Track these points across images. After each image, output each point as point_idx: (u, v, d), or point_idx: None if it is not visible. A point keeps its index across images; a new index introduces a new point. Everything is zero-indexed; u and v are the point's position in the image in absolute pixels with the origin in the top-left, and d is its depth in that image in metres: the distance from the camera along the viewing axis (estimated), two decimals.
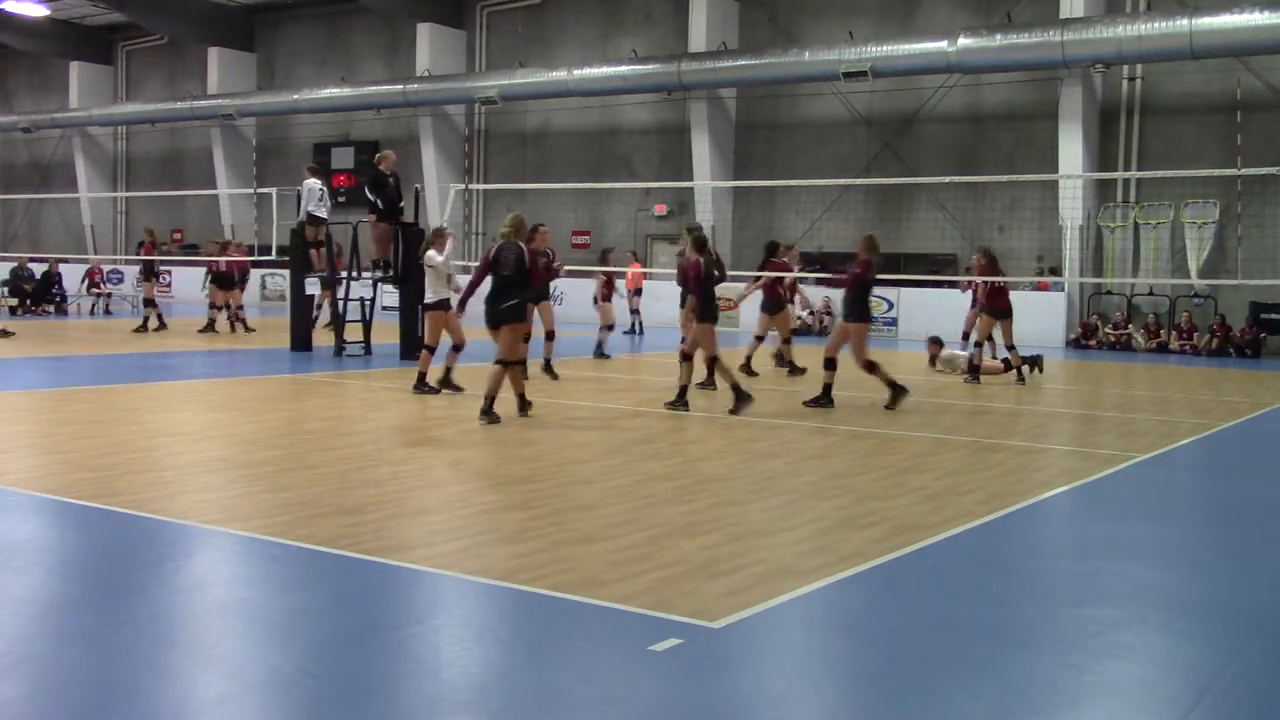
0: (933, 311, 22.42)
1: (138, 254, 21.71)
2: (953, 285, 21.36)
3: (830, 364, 12.09)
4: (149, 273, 21.93)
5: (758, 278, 16.34)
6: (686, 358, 12.09)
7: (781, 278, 15.83)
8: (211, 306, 21.75)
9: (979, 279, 15.73)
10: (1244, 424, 11.87)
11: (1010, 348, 15.44)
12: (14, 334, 19.10)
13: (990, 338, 15.79)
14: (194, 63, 36.89)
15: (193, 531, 6.14)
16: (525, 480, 7.71)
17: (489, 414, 10.22)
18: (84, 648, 4.33)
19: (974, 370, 15.28)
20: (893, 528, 6.52)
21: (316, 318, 18.81)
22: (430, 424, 10.67)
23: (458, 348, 12.71)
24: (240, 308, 22.31)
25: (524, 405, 10.69)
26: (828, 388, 11.99)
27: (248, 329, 21.70)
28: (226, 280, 22.22)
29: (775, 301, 15.58)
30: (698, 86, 26.97)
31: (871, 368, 11.87)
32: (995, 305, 15.25)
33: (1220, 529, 7.22)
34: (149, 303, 21.09)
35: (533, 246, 12.31)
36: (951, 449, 9.53)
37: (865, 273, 12.15)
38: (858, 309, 12.08)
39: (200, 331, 20.91)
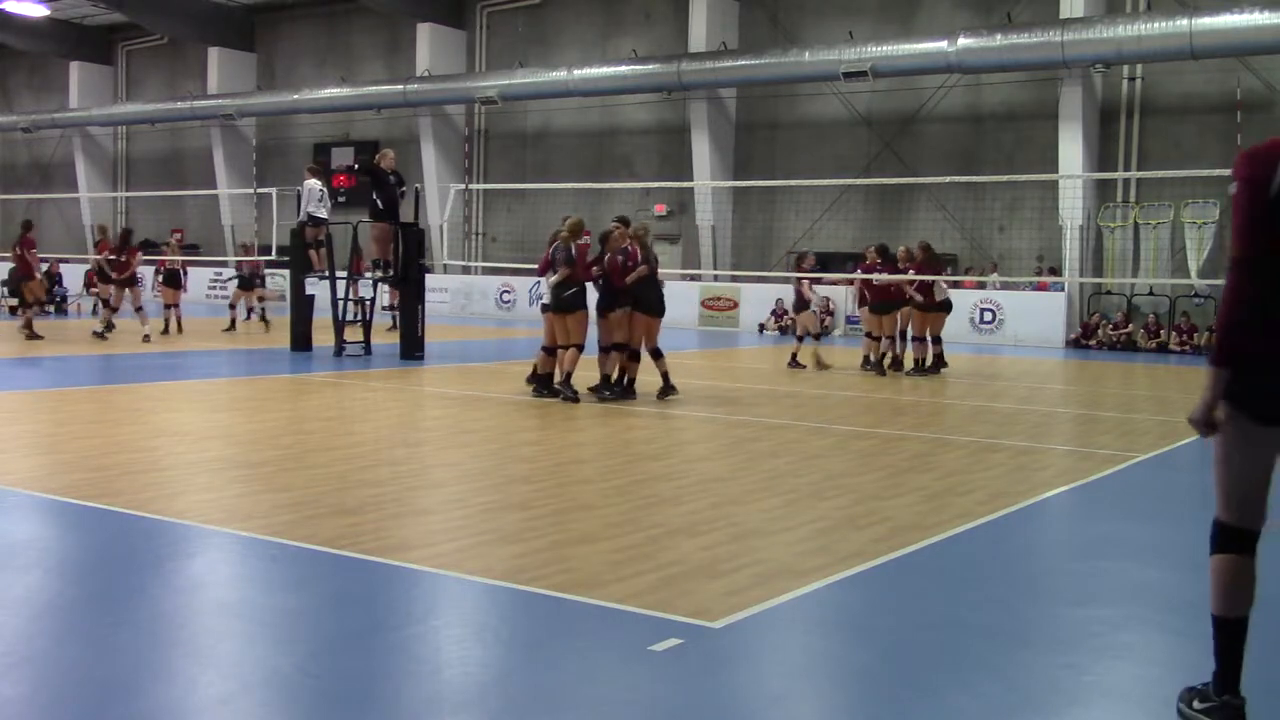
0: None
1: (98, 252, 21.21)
2: (955, 285, 21.43)
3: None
4: (104, 275, 21.62)
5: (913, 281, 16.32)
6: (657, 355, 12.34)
7: (812, 279, 16.50)
8: (231, 306, 22.11)
9: (916, 278, 16.03)
10: None
11: (936, 339, 16.01)
12: (43, 337, 18.70)
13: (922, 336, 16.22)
14: (194, 63, 36.91)
15: (193, 531, 6.13)
16: (525, 480, 7.71)
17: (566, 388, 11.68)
18: (84, 648, 4.33)
19: (877, 364, 15.92)
20: (893, 528, 6.52)
21: (370, 319, 19.44)
22: (430, 424, 10.67)
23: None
24: (263, 305, 23.70)
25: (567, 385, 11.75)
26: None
27: (267, 327, 22.68)
28: (248, 281, 23.68)
29: (805, 302, 16.77)
30: (698, 86, 26.98)
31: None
32: (927, 300, 15.87)
33: None
34: (106, 303, 19.98)
35: (609, 246, 12.17)
36: (951, 449, 9.53)
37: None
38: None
39: (225, 330, 21.37)
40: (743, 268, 27.33)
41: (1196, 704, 3.84)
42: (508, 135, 31.80)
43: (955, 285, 21.11)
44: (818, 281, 18.90)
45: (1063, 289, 23.30)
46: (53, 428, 9.80)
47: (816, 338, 16.89)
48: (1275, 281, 3.57)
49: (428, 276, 24.87)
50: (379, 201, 16.42)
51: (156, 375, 14.27)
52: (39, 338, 18.75)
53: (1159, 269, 23.05)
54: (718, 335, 24.75)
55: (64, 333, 20.73)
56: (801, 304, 16.89)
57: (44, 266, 27.56)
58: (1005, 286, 23.89)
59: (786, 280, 19.05)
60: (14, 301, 25.83)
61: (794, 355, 16.80)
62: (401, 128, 32.58)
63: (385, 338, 18.69)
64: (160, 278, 20.81)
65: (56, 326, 22.22)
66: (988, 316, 23.70)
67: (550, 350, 12.14)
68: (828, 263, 25.40)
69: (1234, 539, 3.72)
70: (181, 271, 22.00)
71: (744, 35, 27.80)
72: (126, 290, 19.80)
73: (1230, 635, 3.73)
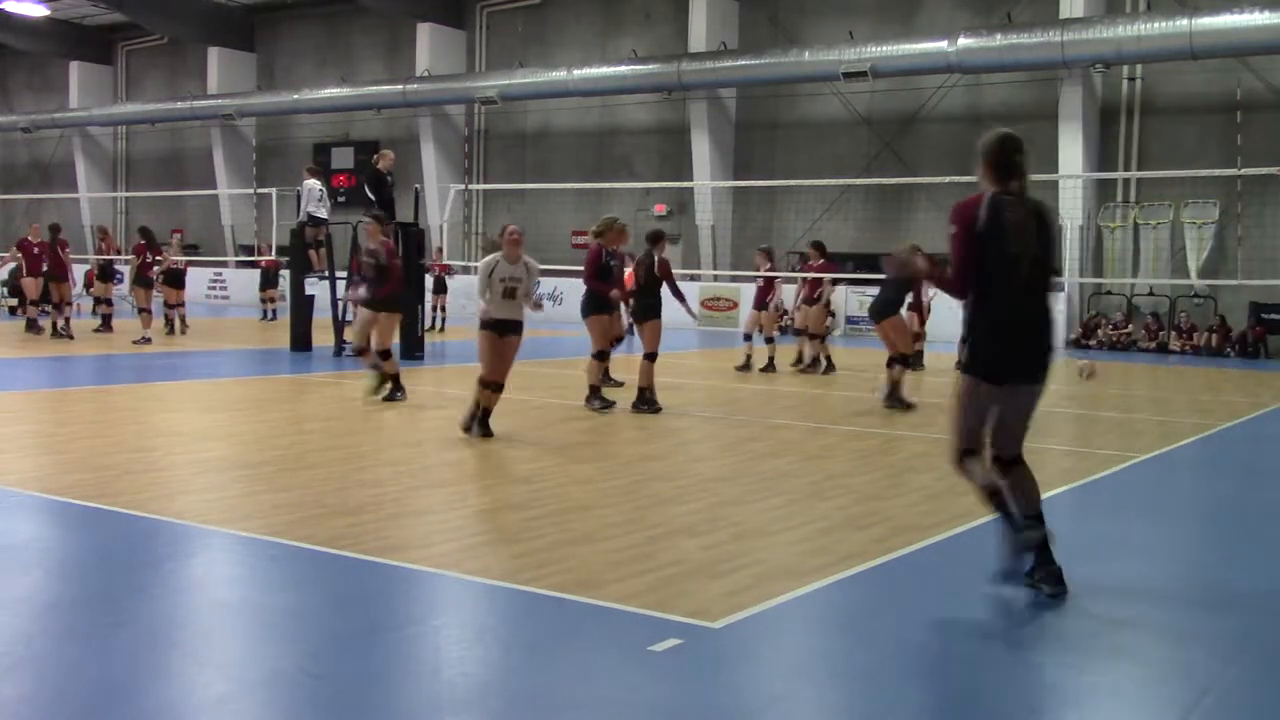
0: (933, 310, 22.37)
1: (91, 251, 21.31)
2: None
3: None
4: (107, 274, 21.77)
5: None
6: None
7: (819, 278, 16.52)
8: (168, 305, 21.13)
9: (815, 274, 16.30)
10: (1244, 424, 11.87)
11: (814, 336, 16.30)
12: (151, 340, 18.38)
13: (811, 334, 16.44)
14: (194, 63, 36.90)
15: (193, 531, 6.13)
16: (525, 480, 7.70)
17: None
18: (84, 648, 4.33)
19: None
20: (893, 528, 6.51)
21: (433, 323, 20.20)
22: (430, 424, 10.67)
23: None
24: (274, 302, 25.37)
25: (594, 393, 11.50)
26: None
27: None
28: (271, 279, 25.79)
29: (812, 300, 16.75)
30: (698, 86, 26.97)
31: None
32: (812, 295, 16.25)
33: (1220, 529, 7.22)
34: (143, 310, 20.13)
35: (597, 244, 11.47)
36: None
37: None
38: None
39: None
40: (743, 268, 27.29)
41: (1045, 587, 5.21)
42: (508, 135, 31.80)
43: None
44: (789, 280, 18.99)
45: (1063, 289, 23.28)
46: (53, 428, 9.80)
47: (816, 337, 16.79)
48: (998, 295, 5.13)
49: (448, 279, 25.08)
50: (377, 201, 16.41)
51: (156, 375, 14.27)
52: (71, 337, 18.85)
53: (1159, 269, 23.05)
54: (718, 335, 24.74)
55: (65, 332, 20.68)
56: (761, 303, 16.78)
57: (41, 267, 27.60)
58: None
59: (789, 280, 19.03)
60: (14, 301, 25.85)
61: (799, 354, 16.77)
62: (401, 128, 32.57)
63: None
64: (161, 278, 20.76)
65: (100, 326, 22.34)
66: None
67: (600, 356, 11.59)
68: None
69: (970, 454, 5.32)
70: (183, 271, 21.99)
71: (744, 35, 27.79)
72: (143, 291, 19.79)
73: (997, 498, 5.29)
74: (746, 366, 16.05)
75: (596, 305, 11.39)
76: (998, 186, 5.15)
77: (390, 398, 11.47)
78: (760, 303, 16.73)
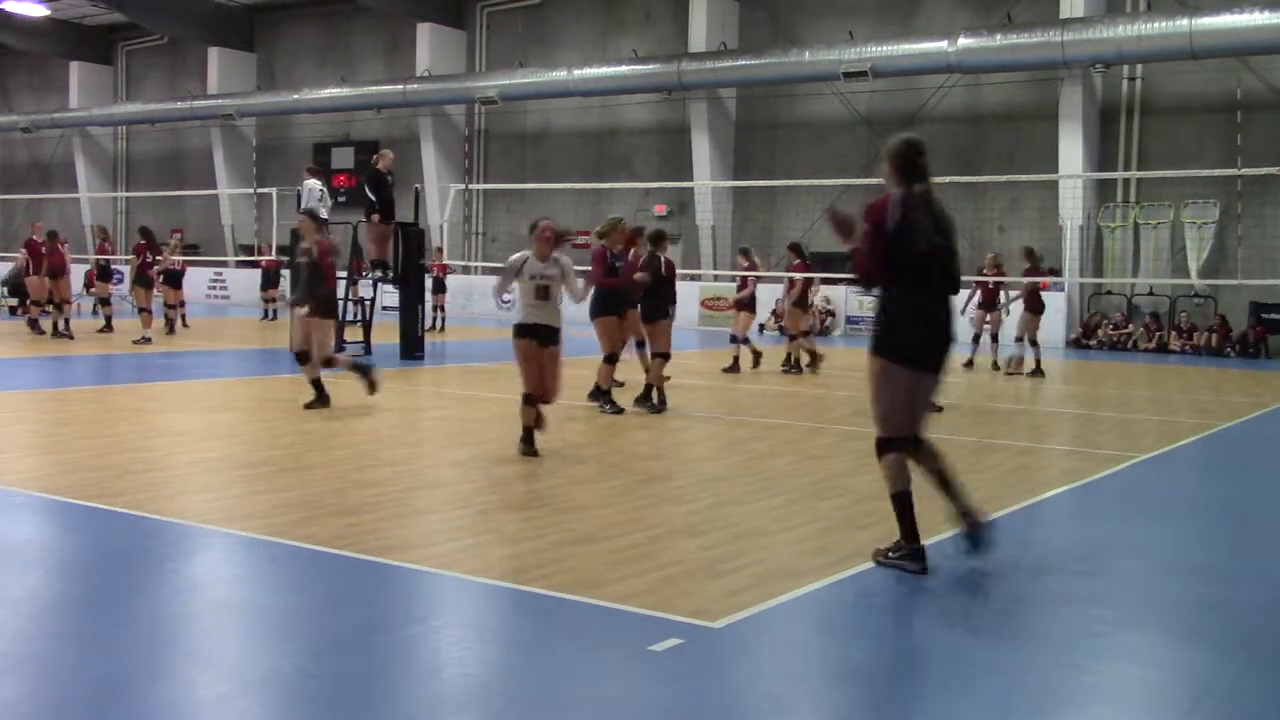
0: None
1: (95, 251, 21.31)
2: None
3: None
4: (106, 274, 21.83)
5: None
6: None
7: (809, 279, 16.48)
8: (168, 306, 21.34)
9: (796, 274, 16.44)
10: (1245, 424, 11.87)
11: (793, 336, 16.40)
12: (151, 339, 18.37)
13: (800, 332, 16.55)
14: (194, 63, 36.90)
15: (193, 531, 6.13)
16: (525, 480, 7.70)
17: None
18: (84, 648, 4.33)
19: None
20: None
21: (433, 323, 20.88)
22: (430, 424, 10.68)
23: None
24: (274, 302, 25.67)
25: (600, 394, 11.31)
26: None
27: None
28: (272, 279, 25.99)
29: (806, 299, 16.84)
30: (698, 86, 26.97)
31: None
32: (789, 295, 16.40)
33: (1220, 529, 7.22)
34: (144, 310, 19.66)
35: (601, 245, 11.35)
36: (952, 449, 9.46)
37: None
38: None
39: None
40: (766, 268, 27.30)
41: (892, 554, 5.62)
42: (508, 135, 31.80)
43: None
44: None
45: (1063, 289, 23.29)
46: (53, 428, 9.80)
47: (794, 336, 16.62)
48: (907, 289, 5.46)
49: (449, 278, 25.13)
50: (378, 202, 16.42)
51: (156, 375, 14.27)
52: (71, 336, 18.90)
53: (1159, 269, 23.06)
54: (719, 335, 24.73)
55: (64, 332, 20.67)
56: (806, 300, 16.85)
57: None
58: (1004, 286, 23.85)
59: (774, 280, 19.12)
60: (14, 301, 25.86)
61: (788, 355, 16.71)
62: (401, 128, 32.57)
63: (386, 338, 18.67)
64: (161, 278, 20.79)
65: (100, 327, 22.34)
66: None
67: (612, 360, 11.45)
68: (828, 262, 25.39)
69: (894, 445, 5.57)
70: (181, 271, 21.99)
71: (744, 35, 27.79)
72: (143, 291, 19.75)
73: (905, 503, 5.56)
74: (735, 368, 16.00)
75: (604, 307, 11.36)
76: (904, 188, 5.50)
77: (314, 404, 10.82)
78: (742, 303, 16.80)
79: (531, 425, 8.58)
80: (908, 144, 5.61)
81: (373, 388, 11.16)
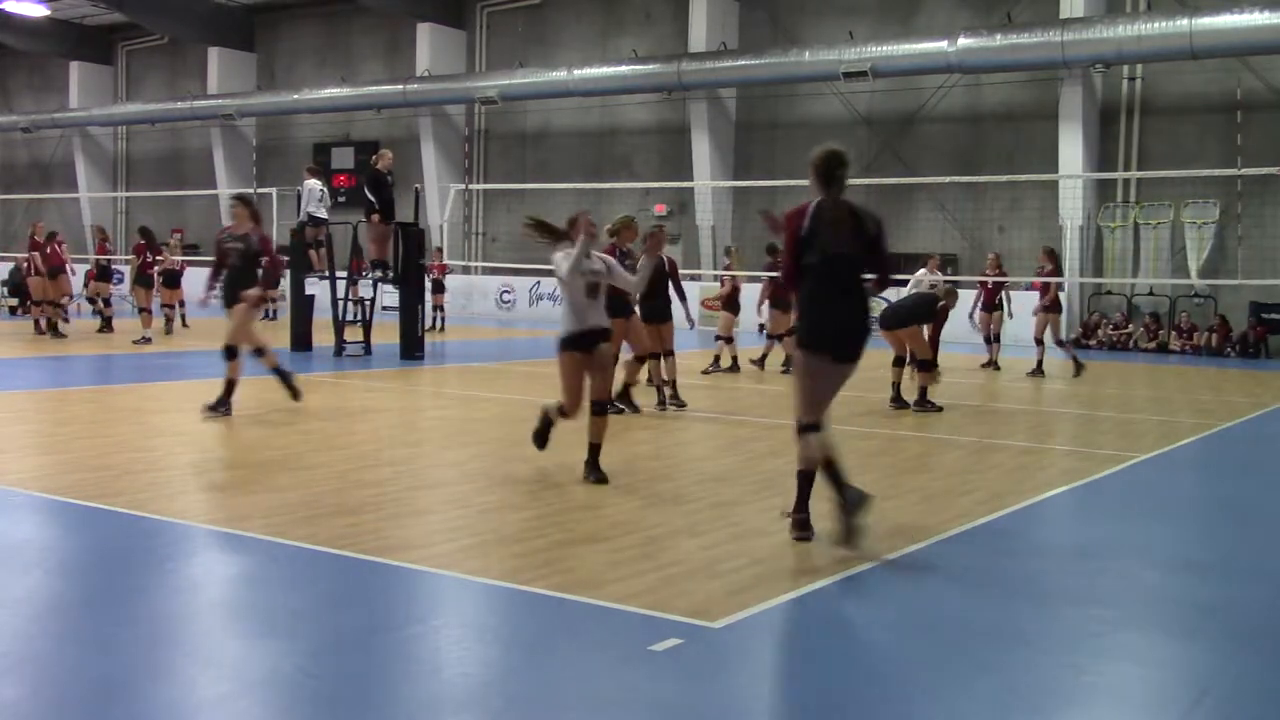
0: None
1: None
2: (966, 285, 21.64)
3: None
4: (106, 274, 21.86)
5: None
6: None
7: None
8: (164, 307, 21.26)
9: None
10: (1245, 424, 11.87)
11: (772, 336, 16.49)
12: (151, 339, 18.38)
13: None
14: (194, 63, 36.88)
15: (193, 531, 6.13)
16: (525, 480, 7.70)
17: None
18: (84, 648, 4.33)
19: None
20: (893, 528, 6.51)
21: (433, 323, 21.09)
22: (430, 424, 10.67)
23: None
24: (274, 302, 24.67)
25: (618, 398, 10.85)
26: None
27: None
28: (272, 279, 25.10)
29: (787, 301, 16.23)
30: (698, 86, 26.96)
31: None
32: (781, 296, 15.97)
33: (1220, 529, 7.22)
34: (144, 310, 19.53)
35: (611, 244, 10.91)
36: (951, 449, 9.52)
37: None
38: None
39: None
40: (743, 268, 27.28)
41: (789, 516, 6.20)
42: (508, 135, 31.79)
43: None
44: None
45: (1063, 289, 23.25)
46: (53, 428, 9.80)
47: (773, 337, 16.60)
48: (822, 288, 6.01)
49: (449, 278, 25.14)
50: (377, 202, 16.42)
51: (156, 375, 14.27)
52: (64, 335, 18.92)
53: (1159, 269, 23.05)
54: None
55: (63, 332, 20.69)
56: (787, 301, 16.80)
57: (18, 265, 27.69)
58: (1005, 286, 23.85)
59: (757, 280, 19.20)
60: (14, 301, 25.90)
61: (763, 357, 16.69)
62: (401, 128, 32.56)
63: (386, 338, 18.68)
64: (161, 278, 20.81)
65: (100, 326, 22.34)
66: None
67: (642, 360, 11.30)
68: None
69: (812, 428, 6.04)
70: (180, 271, 22.00)
71: (744, 35, 27.79)
72: (143, 291, 19.75)
73: (808, 480, 6.11)
74: (716, 366, 16.01)
75: (616, 308, 11.30)
76: (822, 195, 5.98)
77: (216, 407, 10.04)
78: (725, 303, 16.89)
79: (596, 442, 7.69)
80: (828, 155, 6.00)
81: (295, 394, 10.55)
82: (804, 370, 6.14)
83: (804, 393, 6.12)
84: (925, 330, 12.55)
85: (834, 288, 6.00)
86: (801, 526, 6.10)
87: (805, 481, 6.12)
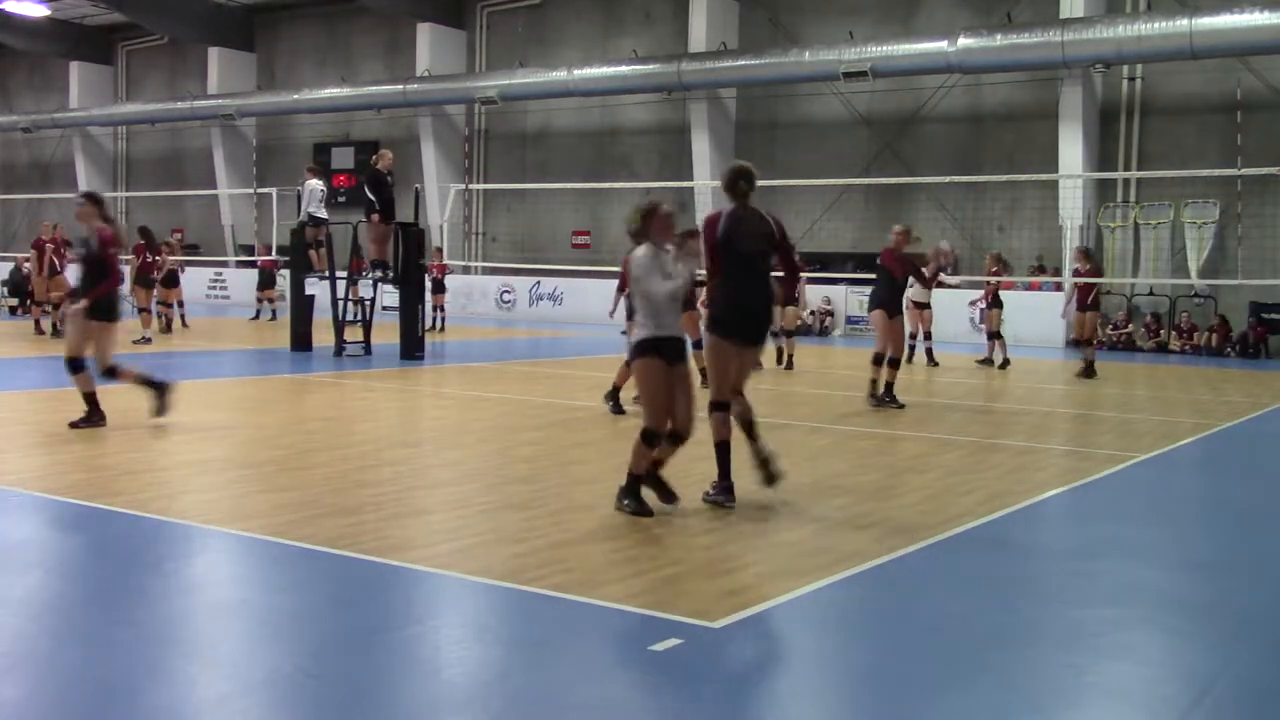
0: (936, 310, 22.40)
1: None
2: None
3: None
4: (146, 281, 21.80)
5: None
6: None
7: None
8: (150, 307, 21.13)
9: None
10: (1245, 424, 11.87)
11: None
12: (151, 339, 18.30)
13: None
14: (194, 63, 36.89)
15: (193, 531, 6.14)
16: (525, 480, 7.70)
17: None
18: (84, 648, 4.33)
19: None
20: (893, 528, 6.51)
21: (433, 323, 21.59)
22: (430, 424, 10.67)
23: None
24: (273, 302, 25.64)
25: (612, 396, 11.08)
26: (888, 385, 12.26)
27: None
28: (268, 279, 25.88)
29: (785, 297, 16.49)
30: (698, 86, 26.96)
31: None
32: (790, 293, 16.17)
33: (1220, 529, 7.22)
34: (144, 310, 19.40)
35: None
36: (951, 449, 9.52)
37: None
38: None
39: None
40: None
41: (711, 492, 6.97)
42: (508, 135, 31.79)
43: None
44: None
45: (1063, 289, 23.27)
46: (53, 428, 9.80)
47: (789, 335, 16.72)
48: (733, 282, 7.00)
49: (449, 278, 25.13)
50: (378, 202, 16.42)
51: (156, 375, 14.24)
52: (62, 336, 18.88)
53: (1159, 269, 23.05)
54: None
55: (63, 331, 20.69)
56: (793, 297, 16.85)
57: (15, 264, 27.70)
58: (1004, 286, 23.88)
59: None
60: (14, 301, 25.88)
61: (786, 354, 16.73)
62: (401, 128, 32.56)
63: (385, 338, 18.68)
64: (160, 278, 20.81)
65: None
66: None
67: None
68: (828, 262, 25.44)
69: (722, 406, 6.96)
70: (179, 271, 21.98)
71: (744, 35, 27.79)
72: (144, 291, 19.67)
73: (725, 451, 6.96)
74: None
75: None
76: (735, 204, 7.06)
77: (81, 423, 9.23)
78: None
79: (643, 472, 6.62)
80: (734, 172, 7.13)
81: (161, 409, 9.53)
82: (715, 353, 6.97)
83: (716, 374, 6.96)
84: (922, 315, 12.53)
85: (744, 281, 6.98)
86: (728, 494, 6.87)
87: (723, 453, 6.92)
